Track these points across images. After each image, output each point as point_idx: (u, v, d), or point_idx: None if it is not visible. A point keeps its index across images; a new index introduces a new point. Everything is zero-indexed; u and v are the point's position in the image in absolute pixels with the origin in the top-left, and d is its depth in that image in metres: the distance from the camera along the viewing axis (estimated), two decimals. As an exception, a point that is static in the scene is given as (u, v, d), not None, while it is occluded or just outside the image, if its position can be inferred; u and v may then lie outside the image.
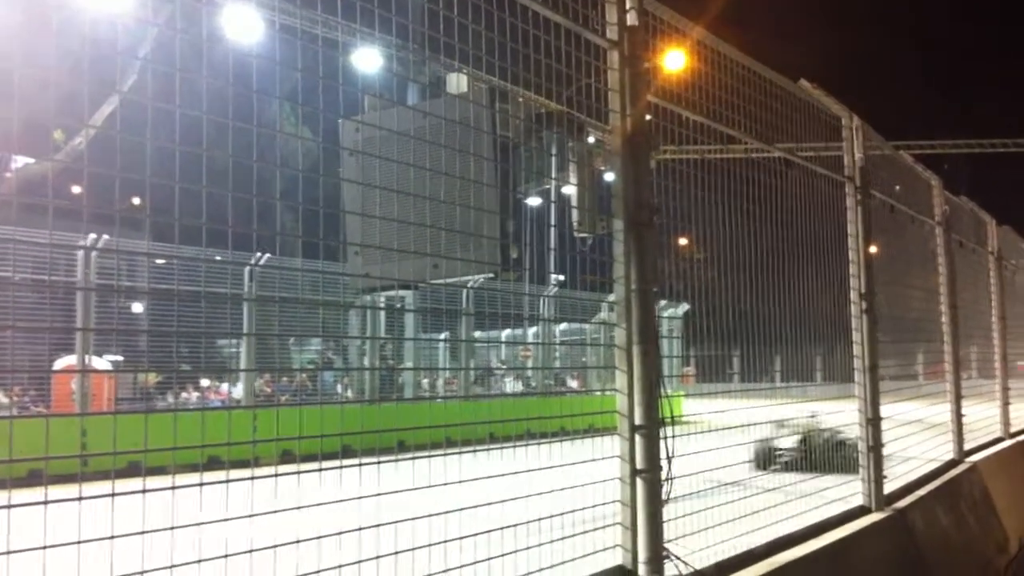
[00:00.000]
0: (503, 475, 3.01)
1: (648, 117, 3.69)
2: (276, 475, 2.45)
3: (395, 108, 3.76)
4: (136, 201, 2.49)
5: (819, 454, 5.60)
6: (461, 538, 2.75)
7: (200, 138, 2.37)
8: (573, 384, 17.90)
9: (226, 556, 2.26)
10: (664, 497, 3.38)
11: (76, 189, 2.23)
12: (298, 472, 2.48)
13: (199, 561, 2.21)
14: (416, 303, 11.36)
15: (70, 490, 2.09)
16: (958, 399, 8.02)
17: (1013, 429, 9.89)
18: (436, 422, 3.02)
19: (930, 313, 8.06)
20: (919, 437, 6.98)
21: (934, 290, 8.20)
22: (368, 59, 11.77)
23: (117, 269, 12.16)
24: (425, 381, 16.28)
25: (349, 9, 2.82)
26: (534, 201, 10.60)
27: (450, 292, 14.20)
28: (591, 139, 4.27)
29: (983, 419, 9.09)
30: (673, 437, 3.45)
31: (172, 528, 2.18)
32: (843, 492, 5.19)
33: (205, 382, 14.82)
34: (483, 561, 2.81)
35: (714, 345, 4.61)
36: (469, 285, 12.24)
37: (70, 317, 10.56)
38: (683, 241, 4.46)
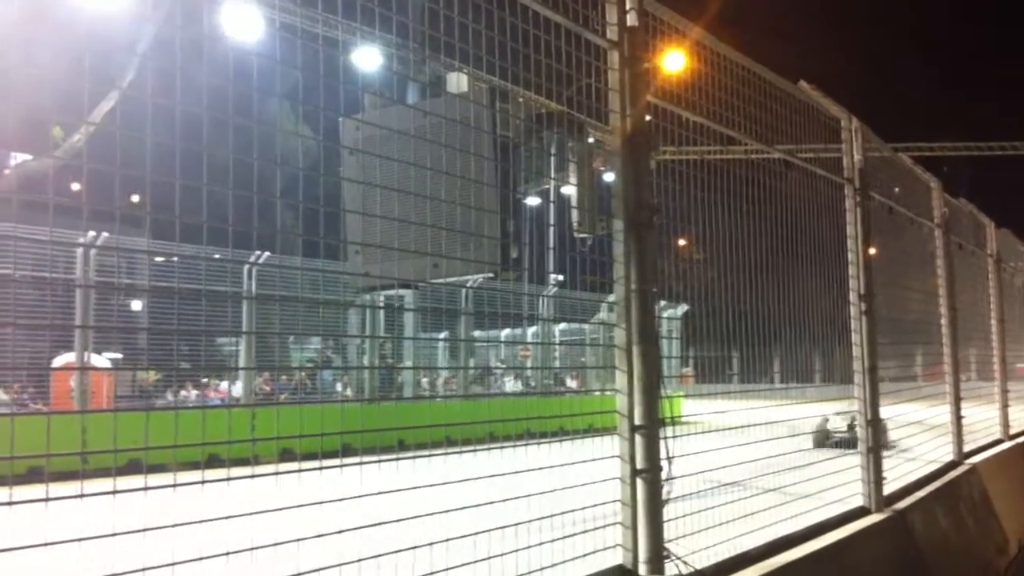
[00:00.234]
0: (503, 474, 3.01)
1: (648, 117, 3.70)
2: (277, 473, 2.46)
3: (395, 107, 3.76)
4: (135, 198, 2.49)
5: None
6: (461, 537, 2.75)
7: (200, 136, 2.37)
8: (572, 384, 17.89)
9: (227, 554, 2.26)
10: (664, 497, 3.38)
11: (75, 186, 2.22)
12: (299, 471, 2.48)
13: (200, 559, 2.21)
14: (416, 302, 11.37)
15: (71, 487, 2.09)
16: (957, 401, 8.02)
17: (1012, 431, 9.90)
18: (436, 421, 3.02)
19: (929, 315, 8.06)
20: (919, 438, 6.99)
21: (933, 292, 8.20)
22: (368, 58, 11.80)
23: (117, 266, 12.15)
24: (425, 380, 16.27)
25: (350, 8, 2.82)
26: (534, 201, 10.60)
27: (450, 291, 14.20)
28: (591, 139, 4.27)
29: (982, 421, 9.10)
30: (673, 437, 3.45)
31: (174, 525, 2.18)
32: (843, 493, 5.18)
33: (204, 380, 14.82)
34: (483, 560, 2.81)
35: (713, 346, 4.61)
36: (469, 284, 12.24)
37: (69, 314, 10.54)
38: (683, 242, 4.45)
